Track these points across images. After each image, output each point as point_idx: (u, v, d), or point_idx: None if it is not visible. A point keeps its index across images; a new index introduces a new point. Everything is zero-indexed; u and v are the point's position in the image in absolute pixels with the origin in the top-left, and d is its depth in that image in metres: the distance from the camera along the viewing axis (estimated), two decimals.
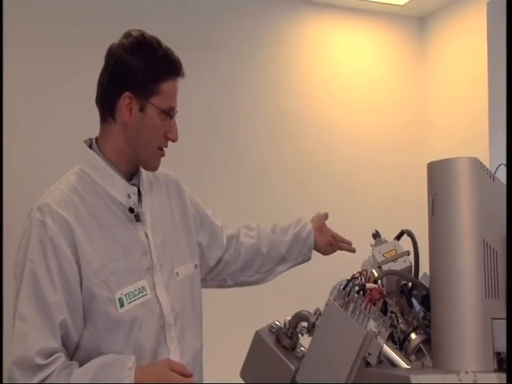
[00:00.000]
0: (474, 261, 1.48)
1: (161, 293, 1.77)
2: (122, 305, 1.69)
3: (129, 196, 1.77)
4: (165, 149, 1.81)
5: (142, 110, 1.74)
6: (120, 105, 1.74)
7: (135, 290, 1.72)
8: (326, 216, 2.24)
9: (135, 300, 1.71)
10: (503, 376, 1.42)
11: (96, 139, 1.81)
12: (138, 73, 1.73)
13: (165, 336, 1.76)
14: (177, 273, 1.84)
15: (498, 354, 1.47)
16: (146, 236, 1.79)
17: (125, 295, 1.70)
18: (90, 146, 1.80)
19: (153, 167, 1.83)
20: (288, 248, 2.16)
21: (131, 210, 1.77)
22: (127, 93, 1.73)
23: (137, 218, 1.78)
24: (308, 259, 2.21)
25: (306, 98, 3.92)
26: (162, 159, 1.84)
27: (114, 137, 1.78)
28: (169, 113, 1.76)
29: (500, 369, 1.47)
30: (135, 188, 1.80)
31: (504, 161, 1.75)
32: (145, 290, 1.74)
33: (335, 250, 2.22)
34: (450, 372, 1.43)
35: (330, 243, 2.20)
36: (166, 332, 1.76)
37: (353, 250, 2.19)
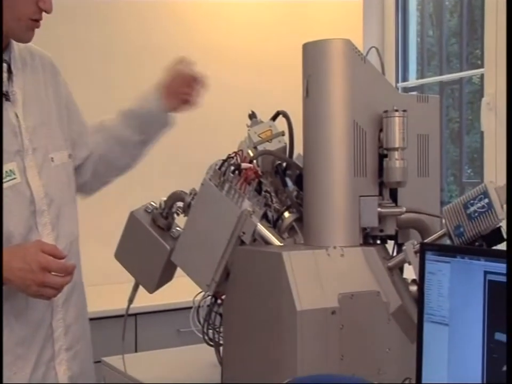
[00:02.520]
0: (344, 141, 1.52)
1: (32, 177, 1.70)
2: None
3: None
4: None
5: None
6: None
7: (3, 173, 1.64)
8: (179, 72, 1.92)
9: (2, 184, 1.63)
10: (367, 249, 1.51)
11: None
12: None
13: (37, 222, 1.70)
14: (52, 158, 1.76)
15: (363, 229, 1.55)
16: (17, 116, 1.70)
17: None
18: None
19: (25, 40, 1.70)
20: (140, 134, 1.95)
21: None
22: None
23: (7, 97, 1.68)
24: (170, 125, 1.97)
25: None
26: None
27: None
28: None
29: (364, 243, 1.55)
30: (5, 65, 1.68)
31: (376, 45, 1.80)
32: (14, 174, 1.66)
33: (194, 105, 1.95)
34: (320, 248, 1.49)
35: (183, 101, 1.94)
36: (37, 218, 1.70)
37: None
